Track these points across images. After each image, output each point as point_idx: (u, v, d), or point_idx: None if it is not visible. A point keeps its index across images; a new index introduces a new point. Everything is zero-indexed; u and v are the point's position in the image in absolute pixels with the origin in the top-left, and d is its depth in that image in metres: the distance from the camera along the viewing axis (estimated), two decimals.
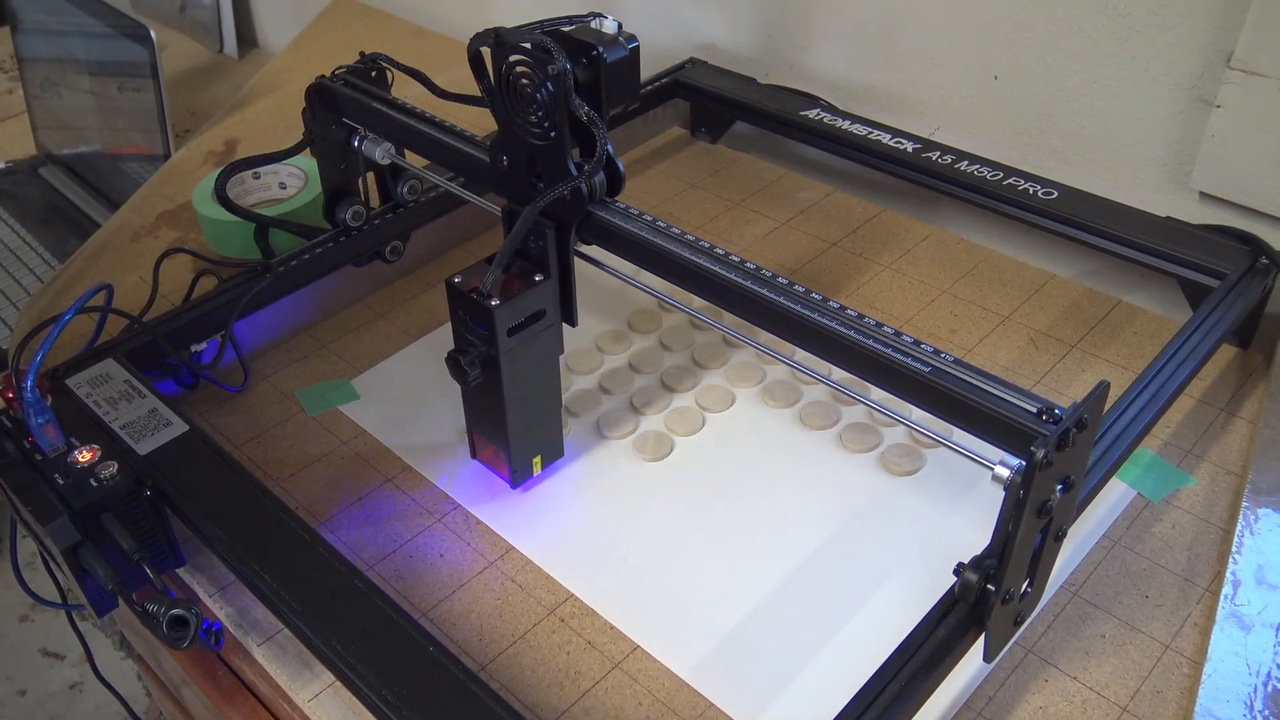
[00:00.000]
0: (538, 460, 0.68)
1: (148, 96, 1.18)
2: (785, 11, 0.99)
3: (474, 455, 0.70)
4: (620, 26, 0.59)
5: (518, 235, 0.60)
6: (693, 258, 0.60)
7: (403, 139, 0.76)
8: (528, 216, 0.60)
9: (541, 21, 0.58)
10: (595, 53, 0.57)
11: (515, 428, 0.65)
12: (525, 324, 0.61)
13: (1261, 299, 0.74)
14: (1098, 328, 0.80)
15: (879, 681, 0.50)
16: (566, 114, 0.58)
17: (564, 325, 0.65)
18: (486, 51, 0.60)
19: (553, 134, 0.59)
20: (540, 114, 0.59)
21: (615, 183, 0.62)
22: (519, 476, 0.68)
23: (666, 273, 0.61)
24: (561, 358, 0.65)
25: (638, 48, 0.59)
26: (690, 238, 0.61)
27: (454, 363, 0.61)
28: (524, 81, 0.58)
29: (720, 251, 0.60)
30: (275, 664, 0.59)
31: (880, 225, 0.92)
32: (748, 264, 0.59)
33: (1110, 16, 0.79)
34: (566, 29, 0.59)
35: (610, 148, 0.59)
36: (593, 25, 0.59)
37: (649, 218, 0.62)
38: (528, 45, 0.57)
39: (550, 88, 0.57)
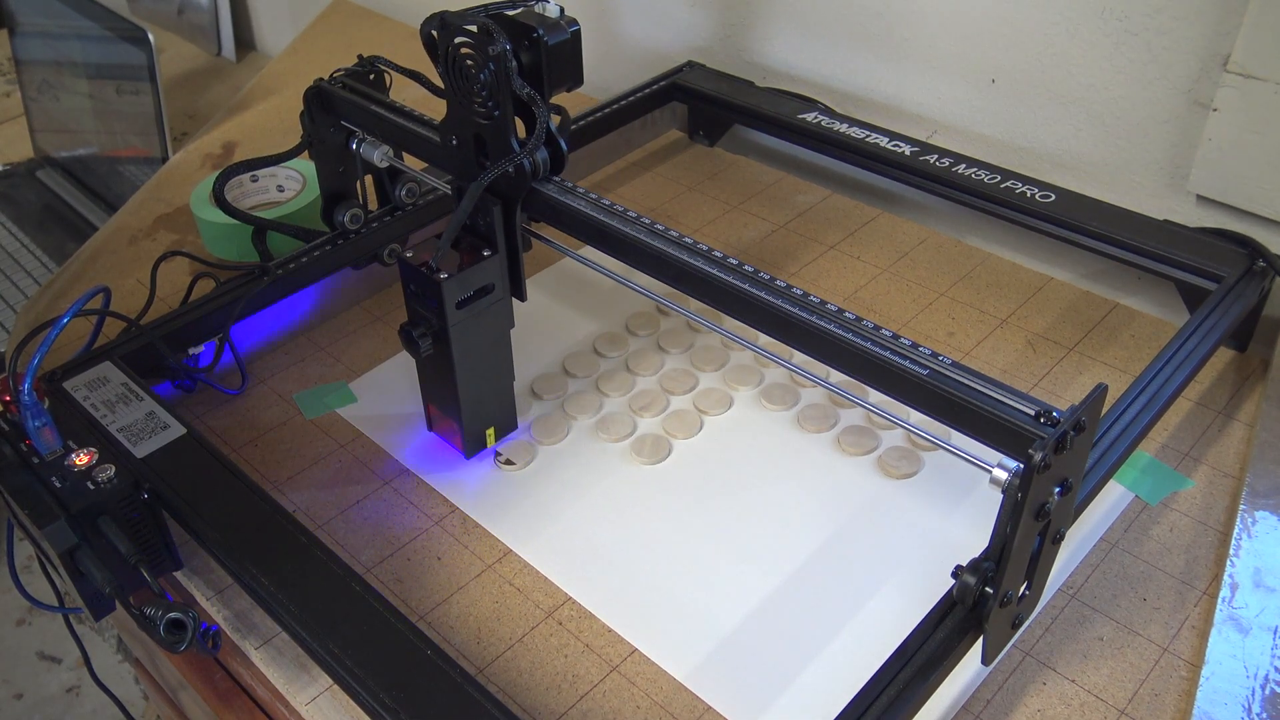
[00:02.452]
0: (491, 432, 0.70)
1: (145, 99, 1.18)
2: (783, 14, 0.99)
3: (430, 428, 0.72)
4: (562, 11, 0.62)
5: (464, 210, 0.63)
6: (690, 260, 0.60)
7: (401, 142, 0.76)
8: (473, 192, 0.62)
9: (486, 5, 0.61)
10: (536, 35, 0.60)
11: (467, 399, 0.67)
12: (474, 298, 0.64)
13: (1259, 302, 0.74)
14: (1095, 330, 0.80)
15: (877, 684, 0.50)
16: (509, 94, 0.61)
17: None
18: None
19: (496, 113, 0.62)
20: (484, 94, 0.61)
21: (558, 161, 0.64)
22: (472, 447, 0.70)
23: (664, 275, 0.61)
24: (559, 360, 0.65)
25: (579, 30, 0.61)
26: (674, 234, 0.62)
27: (406, 335, 0.64)
28: (469, 63, 0.61)
29: (718, 254, 0.60)
30: (273, 667, 0.59)
31: (878, 228, 0.92)
32: (746, 266, 0.59)
33: (1107, 20, 0.79)
34: (510, 13, 0.61)
35: (551, 125, 0.62)
36: (535, 9, 0.62)
37: (593, 195, 0.65)
38: (471, 28, 0.60)
39: (491, 68, 0.60)
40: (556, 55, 0.61)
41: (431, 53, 0.63)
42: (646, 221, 0.63)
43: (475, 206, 0.63)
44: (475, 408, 0.68)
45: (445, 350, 0.64)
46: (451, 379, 0.66)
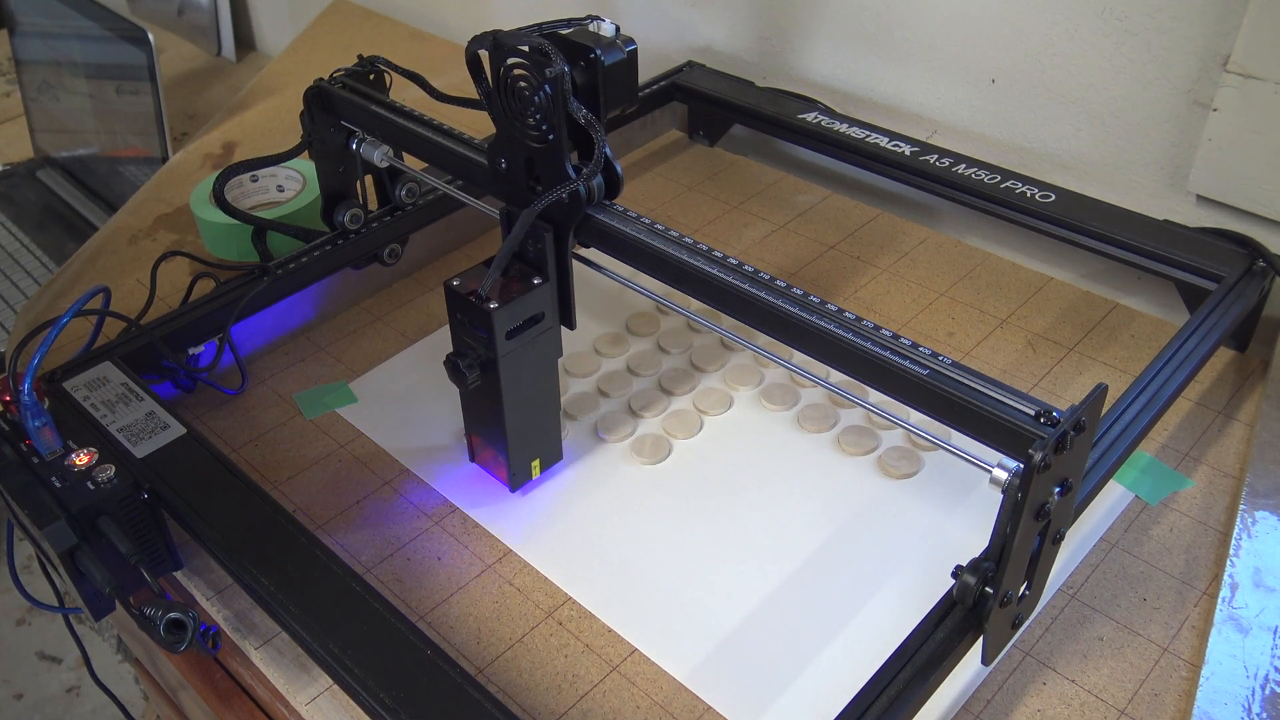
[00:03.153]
0: (536, 463, 0.68)
1: (145, 99, 1.18)
2: (783, 14, 0.99)
3: (472, 459, 0.70)
4: (618, 29, 0.59)
5: (516, 238, 0.60)
6: (690, 260, 0.60)
7: (401, 142, 0.76)
8: (525, 219, 0.60)
9: (539, 24, 0.58)
10: (593, 55, 0.57)
11: (514, 431, 0.65)
12: (523, 327, 0.61)
13: (1258, 302, 0.74)
14: (1095, 330, 0.80)
15: (877, 684, 0.50)
16: (564, 117, 0.58)
17: (562, 328, 0.65)
18: (485, 55, 0.60)
19: (550, 137, 0.59)
20: (538, 117, 0.59)
21: (613, 186, 0.62)
22: (518, 480, 0.68)
23: (664, 275, 0.61)
24: (560, 360, 0.65)
25: (635, 50, 0.58)
26: (688, 240, 0.61)
27: (453, 366, 0.61)
28: (522, 84, 0.58)
29: (718, 254, 0.60)
30: (273, 667, 0.59)
31: (878, 228, 0.92)
32: (746, 266, 0.59)
33: (1107, 20, 0.79)
34: (564, 32, 0.58)
35: (609, 151, 0.59)
36: (590, 28, 0.59)
37: (647, 220, 0.62)
38: (525, 48, 0.57)
39: (548, 90, 0.57)
40: (613, 76, 0.58)
41: (475, 73, 0.60)
42: (704, 248, 0.60)
43: (525, 233, 0.61)
44: (522, 440, 0.66)
45: (493, 381, 0.62)
46: (499, 411, 0.63)
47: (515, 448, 0.66)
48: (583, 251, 0.65)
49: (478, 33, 0.60)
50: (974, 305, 0.83)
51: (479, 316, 0.59)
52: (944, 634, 0.52)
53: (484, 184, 0.67)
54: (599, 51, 0.57)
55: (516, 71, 0.58)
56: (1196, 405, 0.73)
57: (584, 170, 0.60)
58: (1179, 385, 0.65)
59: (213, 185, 0.81)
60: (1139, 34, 0.78)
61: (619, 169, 0.62)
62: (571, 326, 0.65)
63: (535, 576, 0.63)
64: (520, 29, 0.58)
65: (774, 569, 0.63)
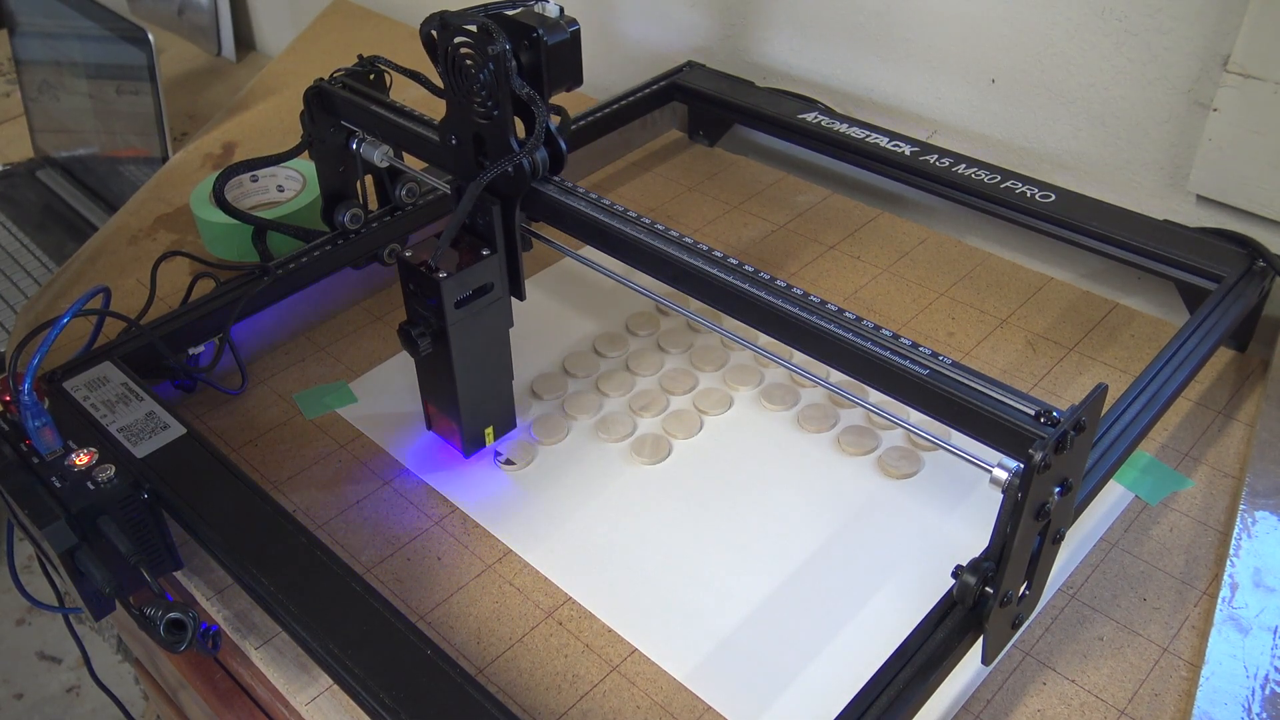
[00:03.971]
0: (490, 431, 0.70)
1: (145, 99, 1.18)
2: (783, 15, 0.99)
3: (429, 427, 0.72)
4: (562, 10, 0.62)
5: (464, 210, 0.63)
6: (690, 260, 0.60)
7: (401, 142, 0.76)
8: (472, 191, 0.62)
9: (485, 5, 0.61)
10: (535, 35, 0.60)
11: (466, 398, 0.67)
12: (473, 297, 0.64)
13: (1258, 302, 0.74)
14: (1095, 330, 0.80)
15: (877, 684, 0.50)
16: (508, 93, 0.61)
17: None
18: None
19: (495, 113, 0.62)
20: (484, 94, 0.61)
21: (558, 160, 0.64)
22: (470, 446, 0.70)
23: (664, 275, 0.61)
24: (559, 360, 0.65)
25: (578, 30, 0.61)
26: (688, 240, 0.61)
27: (405, 334, 0.64)
28: (468, 62, 0.61)
29: (718, 254, 0.60)
30: (273, 667, 0.59)
31: (878, 228, 0.92)
32: (746, 266, 0.59)
33: (1107, 20, 0.79)
34: (509, 13, 0.61)
35: (551, 125, 0.62)
36: (535, 9, 0.62)
37: (593, 195, 0.64)
38: (471, 28, 0.60)
39: (491, 68, 0.60)
40: (556, 55, 0.61)
41: (431, 53, 0.63)
42: (646, 221, 0.63)
43: (474, 206, 0.63)
44: (474, 407, 0.68)
45: (444, 349, 0.64)
46: (450, 378, 0.66)
47: (468, 415, 0.68)
48: (582, 250, 0.65)
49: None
50: (974, 305, 0.83)
51: (429, 286, 0.62)
52: (944, 634, 0.52)
53: (437, 160, 0.70)
54: (541, 31, 0.60)
55: (463, 50, 0.61)
56: (1196, 405, 0.73)
57: (526, 143, 0.62)
58: (1179, 385, 0.65)
59: (213, 185, 0.81)
60: (1139, 34, 0.78)
61: (564, 145, 0.64)
62: (521, 297, 0.67)
63: (535, 576, 0.63)
64: (467, 9, 0.61)
65: (774, 569, 0.63)
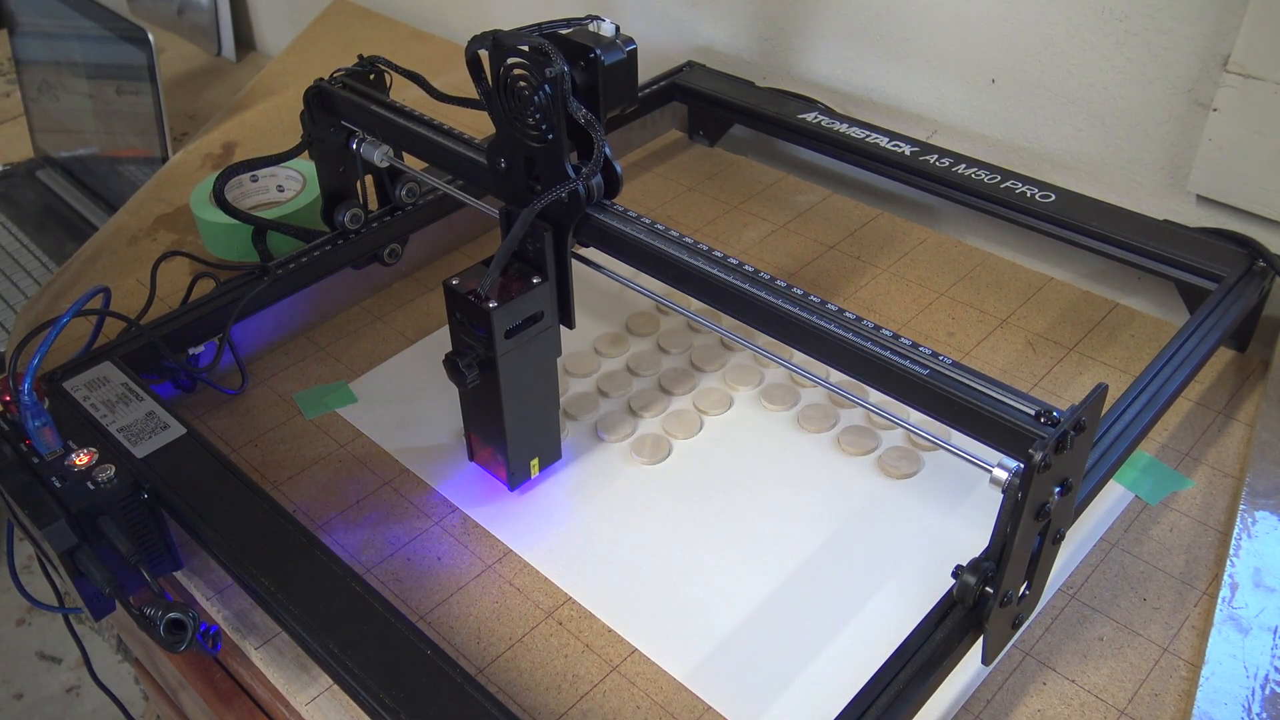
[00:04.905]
0: (535, 462, 0.68)
1: (145, 99, 1.18)
2: (783, 15, 0.99)
3: (471, 458, 0.70)
4: (618, 29, 0.59)
5: (515, 237, 0.60)
6: (690, 260, 0.60)
7: (401, 142, 0.76)
8: (525, 218, 0.59)
9: (539, 24, 0.58)
10: (593, 55, 0.57)
11: (513, 430, 0.65)
12: (522, 326, 0.61)
13: (1259, 302, 0.74)
14: (1095, 330, 0.80)
15: (877, 684, 0.50)
16: (564, 116, 0.58)
17: (561, 328, 0.65)
18: (485, 55, 0.60)
19: (550, 136, 0.59)
20: (538, 116, 0.59)
21: (613, 185, 0.62)
22: (516, 479, 0.68)
23: (664, 275, 0.61)
24: (560, 361, 0.65)
25: (635, 50, 0.59)
26: (688, 240, 0.61)
27: (452, 365, 0.61)
28: (521, 84, 0.58)
29: (718, 254, 0.60)
30: (273, 667, 0.59)
31: (878, 228, 0.92)
32: (746, 266, 0.59)
33: (1107, 20, 0.79)
34: (564, 32, 0.59)
35: (608, 150, 0.59)
36: (590, 28, 0.59)
37: (647, 220, 0.62)
38: (525, 48, 0.57)
39: (548, 90, 0.57)
40: (613, 76, 0.58)
41: (475, 72, 0.60)
42: (704, 248, 0.60)
43: (525, 232, 0.61)
44: (521, 439, 0.66)
45: (492, 381, 0.62)
46: (498, 410, 0.63)
47: (514, 447, 0.66)
48: (582, 251, 0.65)
49: (477, 32, 0.60)
50: (974, 305, 0.83)
51: (478, 316, 0.60)
52: (944, 634, 0.52)
53: (484, 183, 0.67)
54: (599, 51, 0.57)
55: (516, 71, 0.58)
56: (1196, 405, 0.73)
57: (583, 170, 0.60)
58: (1179, 385, 0.65)
59: (213, 185, 0.81)
60: (1139, 34, 0.78)
61: (619, 169, 0.62)
62: (571, 326, 0.65)
63: (535, 576, 0.63)
64: (520, 29, 0.58)
65: (774, 569, 0.63)
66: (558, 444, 0.70)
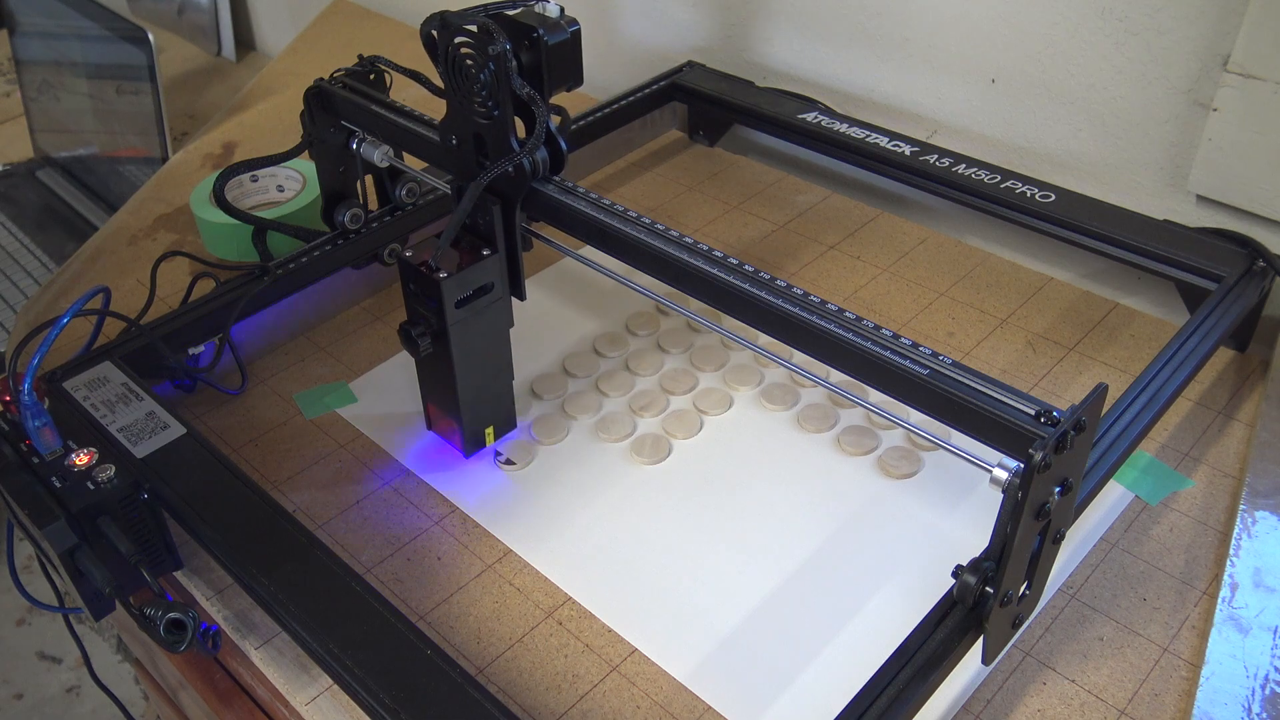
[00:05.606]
0: (490, 431, 0.70)
1: (145, 99, 1.18)
2: (783, 14, 0.99)
3: (429, 427, 0.72)
4: (562, 10, 0.62)
5: (464, 210, 0.63)
6: (690, 260, 0.60)
7: (401, 142, 0.76)
8: (473, 192, 0.62)
9: (486, 5, 0.61)
10: (536, 35, 0.60)
11: (466, 398, 0.67)
12: (473, 296, 0.64)
13: (1259, 302, 0.74)
14: (1095, 330, 0.80)
15: (877, 684, 0.50)
16: (509, 93, 0.61)
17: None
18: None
19: (496, 113, 0.62)
20: (484, 94, 0.61)
21: (558, 160, 0.64)
22: (471, 446, 0.70)
23: (663, 275, 0.61)
24: (559, 360, 0.65)
25: (579, 30, 0.61)
26: (688, 240, 0.61)
27: (405, 334, 0.64)
28: (468, 63, 0.61)
29: (718, 254, 0.60)
30: (273, 667, 0.59)
31: (878, 228, 0.92)
32: (746, 266, 0.59)
33: (1107, 20, 0.79)
34: (510, 13, 0.61)
35: (551, 125, 0.62)
36: (536, 9, 0.62)
37: (593, 195, 0.64)
38: (471, 28, 0.60)
39: (492, 68, 0.60)
40: (556, 55, 0.61)
41: (432, 53, 0.63)
42: (646, 221, 0.63)
43: (475, 206, 0.63)
44: (474, 407, 0.68)
45: (445, 349, 0.65)
46: (451, 378, 0.66)
47: (468, 415, 0.68)
48: (582, 250, 0.65)
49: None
50: (974, 305, 0.83)
51: (429, 286, 0.62)
52: (944, 634, 0.52)
53: (437, 160, 0.70)
54: (542, 31, 0.60)
55: (463, 50, 0.61)
56: (1197, 405, 0.73)
57: (526, 143, 0.62)
58: (1179, 385, 0.65)
59: (213, 185, 0.81)
60: (1139, 34, 0.78)
61: (564, 144, 0.64)
62: (521, 297, 0.67)
63: (535, 576, 0.63)
64: (467, 9, 0.61)
65: (774, 569, 0.63)
66: (513, 413, 0.72)
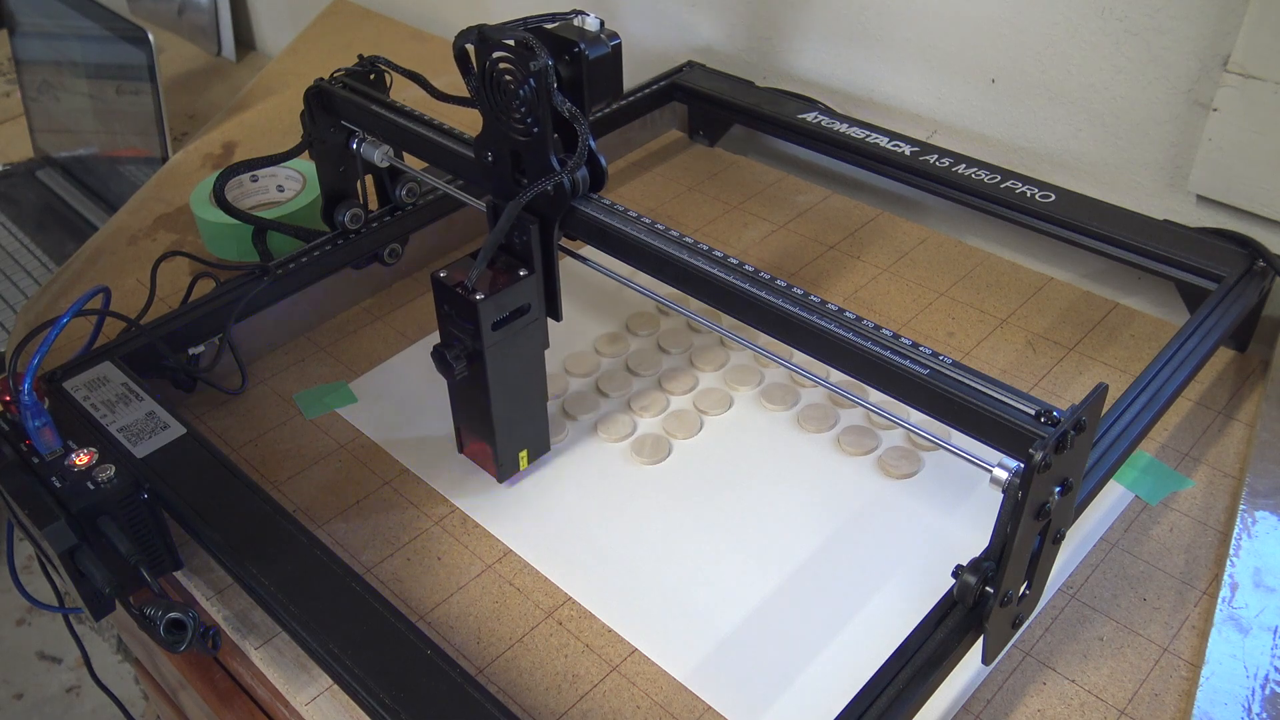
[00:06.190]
0: (524, 455, 0.69)
1: (145, 99, 1.18)
2: (783, 15, 0.99)
3: (461, 450, 0.71)
4: (602, 24, 0.60)
5: (501, 230, 0.61)
6: (690, 260, 0.60)
7: (401, 142, 0.76)
8: (511, 211, 0.60)
9: (524, 19, 0.59)
10: (577, 49, 0.58)
11: (501, 422, 0.65)
12: (509, 318, 0.62)
13: (1259, 302, 0.74)
14: (1095, 330, 0.80)
15: (877, 684, 0.50)
16: (549, 110, 0.59)
17: (550, 321, 0.65)
18: (472, 49, 0.60)
19: (535, 130, 0.60)
20: (523, 110, 0.60)
21: (598, 178, 0.63)
22: (505, 471, 0.68)
23: (664, 275, 0.61)
24: (559, 360, 0.65)
25: (619, 45, 0.59)
26: (688, 240, 0.61)
27: (439, 357, 0.62)
28: (507, 78, 0.59)
29: (718, 254, 0.60)
30: (273, 667, 0.59)
31: (878, 228, 0.92)
32: (746, 266, 0.59)
33: (1107, 20, 0.79)
34: (549, 26, 0.60)
35: (593, 143, 0.60)
36: (575, 23, 0.60)
37: (633, 214, 0.63)
38: (510, 42, 0.58)
39: (532, 84, 0.58)
40: (597, 70, 0.59)
41: (463, 67, 0.61)
42: (690, 241, 0.61)
43: (511, 225, 0.61)
44: (509, 430, 0.66)
45: (480, 372, 0.62)
46: (486, 402, 0.64)
47: (502, 439, 0.66)
48: (582, 250, 0.65)
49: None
50: (974, 305, 0.83)
51: (465, 308, 0.60)
52: (944, 634, 0.52)
53: (473, 178, 0.68)
54: (583, 45, 0.58)
55: (502, 65, 0.59)
56: (1196, 405, 0.73)
57: (568, 162, 0.60)
58: (1179, 385, 0.65)
59: (213, 185, 0.81)
60: (1139, 34, 0.78)
61: (603, 162, 0.63)
62: (558, 319, 0.66)
63: (535, 576, 0.63)
64: (505, 23, 0.59)
65: (774, 569, 0.63)
66: (546, 436, 0.70)
